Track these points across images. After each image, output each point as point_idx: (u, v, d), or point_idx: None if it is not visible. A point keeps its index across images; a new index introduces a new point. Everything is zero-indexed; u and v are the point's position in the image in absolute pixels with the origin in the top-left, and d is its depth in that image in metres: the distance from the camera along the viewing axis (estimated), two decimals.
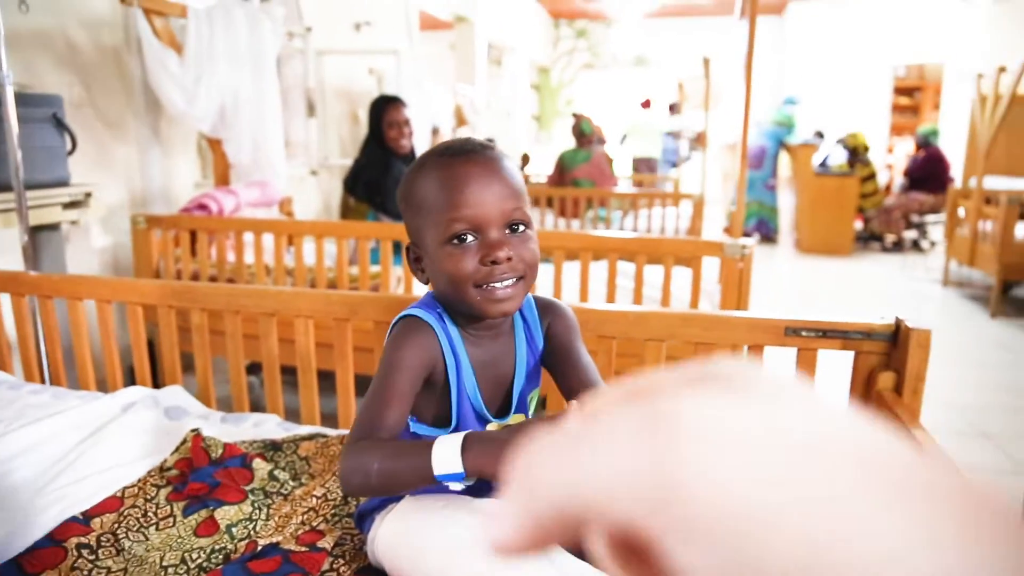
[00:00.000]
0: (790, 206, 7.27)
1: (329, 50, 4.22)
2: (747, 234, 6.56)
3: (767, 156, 6.87)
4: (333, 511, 1.11)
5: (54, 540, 1.01)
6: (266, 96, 3.13)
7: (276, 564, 0.94)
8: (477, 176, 0.85)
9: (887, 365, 1.26)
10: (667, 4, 9.52)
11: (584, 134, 4.61)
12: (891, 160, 9.18)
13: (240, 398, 1.59)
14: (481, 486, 0.96)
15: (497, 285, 0.86)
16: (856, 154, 6.62)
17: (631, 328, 1.31)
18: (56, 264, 2.34)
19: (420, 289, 2.56)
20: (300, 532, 1.05)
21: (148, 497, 1.14)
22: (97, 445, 1.26)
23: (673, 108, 8.07)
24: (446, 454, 0.76)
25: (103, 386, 1.70)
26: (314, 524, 1.07)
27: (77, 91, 2.70)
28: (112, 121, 2.87)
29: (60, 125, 2.25)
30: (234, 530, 1.07)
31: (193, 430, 1.29)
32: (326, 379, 1.60)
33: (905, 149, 8.96)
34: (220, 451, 1.24)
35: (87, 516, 1.08)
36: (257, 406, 2.10)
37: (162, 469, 1.22)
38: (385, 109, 3.02)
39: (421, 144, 3.79)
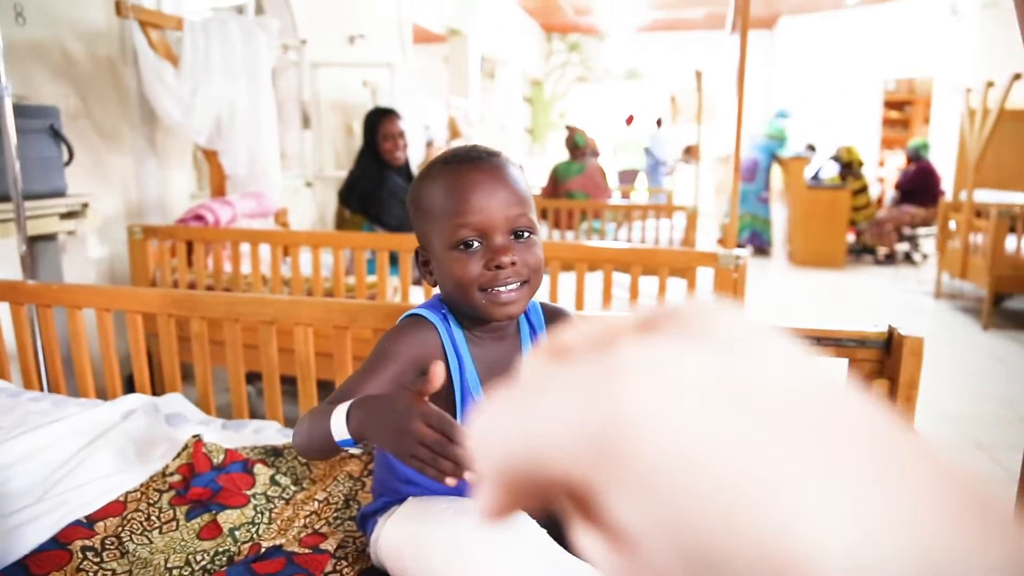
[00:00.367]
0: (783, 219, 7.33)
1: (323, 62, 4.25)
2: (740, 246, 6.60)
3: (759, 169, 6.93)
4: (335, 514, 1.12)
5: (59, 543, 1.02)
6: (261, 108, 3.14)
7: (280, 565, 0.95)
8: (482, 183, 0.87)
9: (880, 373, 1.28)
10: (658, 18, 9.63)
11: (578, 146, 4.64)
12: (882, 173, 9.27)
13: (240, 407, 1.59)
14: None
15: (501, 289, 0.88)
16: (850, 168, 6.68)
17: None
18: (53, 274, 2.34)
19: (417, 299, 2.57)
20: (303, 535, 1.05)
21: (151, 501, 1.15)
22: (98, 451, 1.27)
23: (659, 123, 8.30)
24: (338, 421, 0.78)
25: (102, 394, 1.70)
26: (316, 527, 1.08)
27: (74, 102, 2.71)
28: (108, 132, 2.88)
29: (57, 136, 2.26)
30: (237, 533, 1.08)
31: (194, 436, 1.30)
32: (325, 389, 1.60)
33: (896, 163, 9.05)
34: (222, 457, 1.25)
35: (91, 520, 1.08)
36: (256, 416, 2.10)
37: (164, 474, 1.22)
38: (380, 121, 3.04)
39: (415, 156, 3.81)
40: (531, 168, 8.45)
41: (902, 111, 10.15)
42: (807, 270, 6.43)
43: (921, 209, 6.46)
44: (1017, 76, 4.20)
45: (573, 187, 4.54)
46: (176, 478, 1.22)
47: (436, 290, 0.98)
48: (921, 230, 6.64)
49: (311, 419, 0.84)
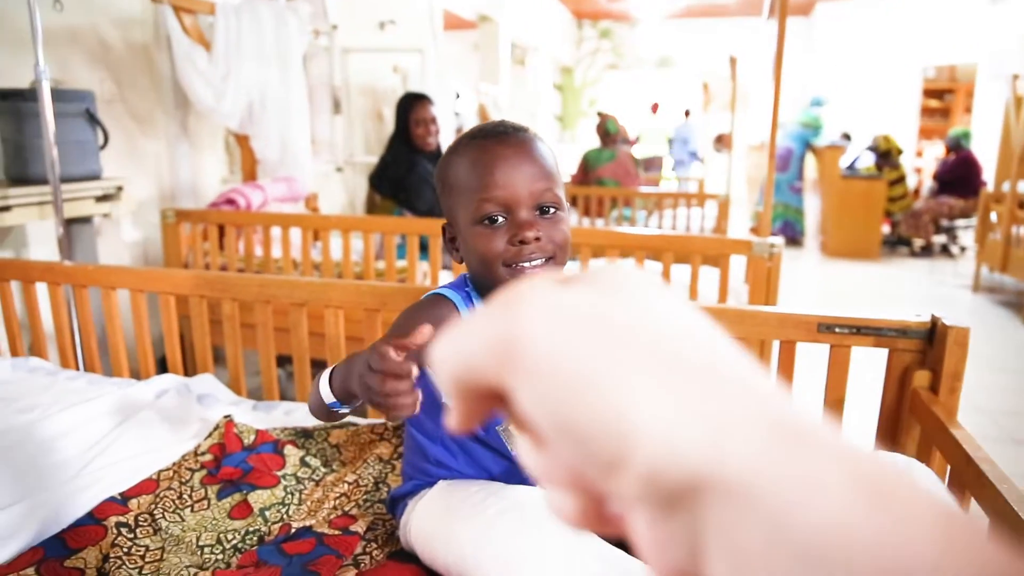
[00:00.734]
0: (816, 209, 7.19)
1: (354, 48, 4.25)
2: (773, 235, 6.51)
3: (793, 158, 6.80)
4: (365, 496, 1.12)
5: (94, 518, 1.03)
6: (292, 93, 3.15)
7: (310, 546, 0.95)
8: (508, 157, 0.85)
9: (922, 363, 1.24)
10: (691, 4, 9.47)
11: (609, 133, 4.59)
12: (920, 164, 9.05)
13: (270, 389, 1.60)
14: (514, 472, 0.96)
15: (526, 265, 0.86)
16: (887, 157, 6.52)
17: None
18: (88, 257, 2.37)
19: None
20: (332, 516, 1.06)
21: (183, 480, 1.16)
22: (132, 430, 1.28)
23: (688, 113, 8.23)
24: (324, 384, 0.84)
25: (136, 374, 1.72)
26: (346, 509, 1.08)
27: (108, 87, 2.74)
28: (142, 116, 2.92)
29: (92, 120, 2.28)
30: (267, 513, 1.08)
31: (225, 416, 1.31)
32: None
33: (934, 153, 8.82)
34: (252, 437, 1.25)
35: (125, 497, 1.10)
36: (286, 399, 2.12)
37: (196, 453, 1.23)
38: (412, 106, 3.03)
39: (446, 142, 3.81)
40: (561, 155, 8.36)
41: (942, 100, 9.89)
42: (840, 261, 6.31)
43: (960, 200, 6.29)
44: None
45: (604, 174, 4.50)
46: (208, 457, 1.23)
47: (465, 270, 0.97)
48: (960, 222, 6.46)
49: (313, 385, 0.88)
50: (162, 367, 1.72)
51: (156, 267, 2.91)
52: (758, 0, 3.24)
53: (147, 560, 0.97)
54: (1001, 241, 4.47)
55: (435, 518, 0.91)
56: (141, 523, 1.04)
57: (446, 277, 2.65)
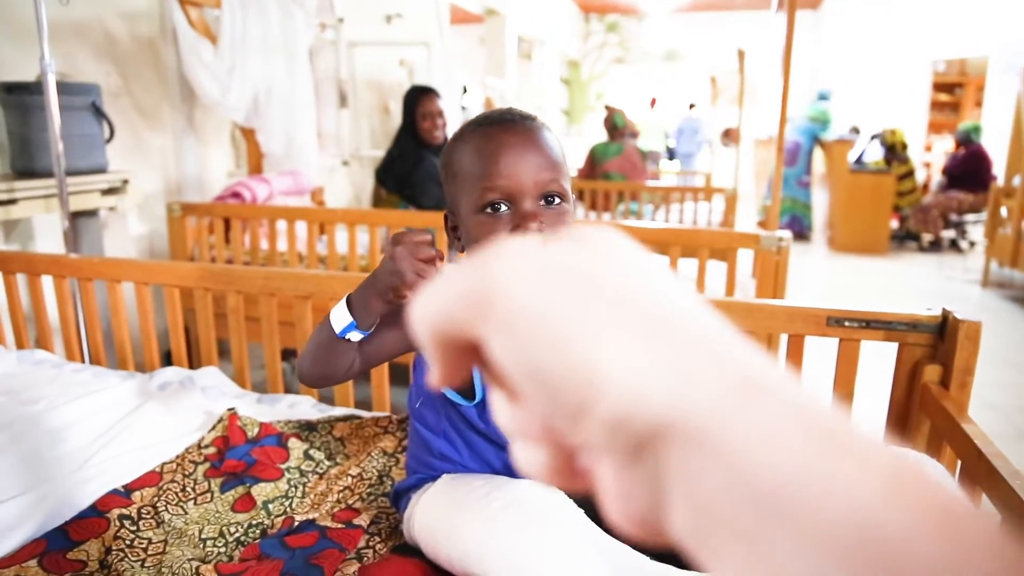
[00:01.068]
0: (824, 203, 7.15)
1: (360, 41, 4.23)
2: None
3: (801, 152, 6.76)
4: (368, 490, 1.11)
5: (97, 511, 1.03)
6: (298, 86, 3.15)
7: (313, 539, 0.94)
8: (513, 145, 0.83)
9: (932, 358, 1.22)
10: None
11: (617, 127, 4.57)
12: (928, 158, 8.97)
13: (275, 382, 1.59)
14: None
15: None
16: (894, 151, 6.47)
17: None
18: (94, 250, 2.38)
19: None
20: (336, 510, 1.05)
21: (186, 473, 1.15)
22: (136, 422, 1.28)
23: (692, 106, 8.24)
24: (338, 313, 0.88)
25: (141, 367, 1.72)
26: (350, 502, 1.08)
27: (114, 80, 2.74)
28: (148, 110, 2.91)
29: (98, 113, 2.28)
30: (270, 506, 1.08)
31: (229, 409, 1.30)
32: None
33: (943, 147, 8.74)
34: (256, 430, 1.25)
35: (128, 489, 1.09)
36: (290, 392, 2.11)
37: (200, 446, 1.23)
38: (419, 100, 3.02)
39: None
40: (568, 149, 8.39)
41: (952, 94, 9.80)
42: (848, 256, 6.27)
43: (970, 195, 6.23)
44: None
45: (611, 168, 4.48)
46: (211, 450, 1.22)
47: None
48: (969, 217, 6.41)
49: (314, 331, 0.92)
50: (167, 360, 1.72)
51: (161, 260, 2.91)
52: None
53: (150, 553, 0.97)
54: (1011, 236, 4.43)
55: (439, 512, 0.90)
56: (144, 516, 1.04)
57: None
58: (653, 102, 8.88)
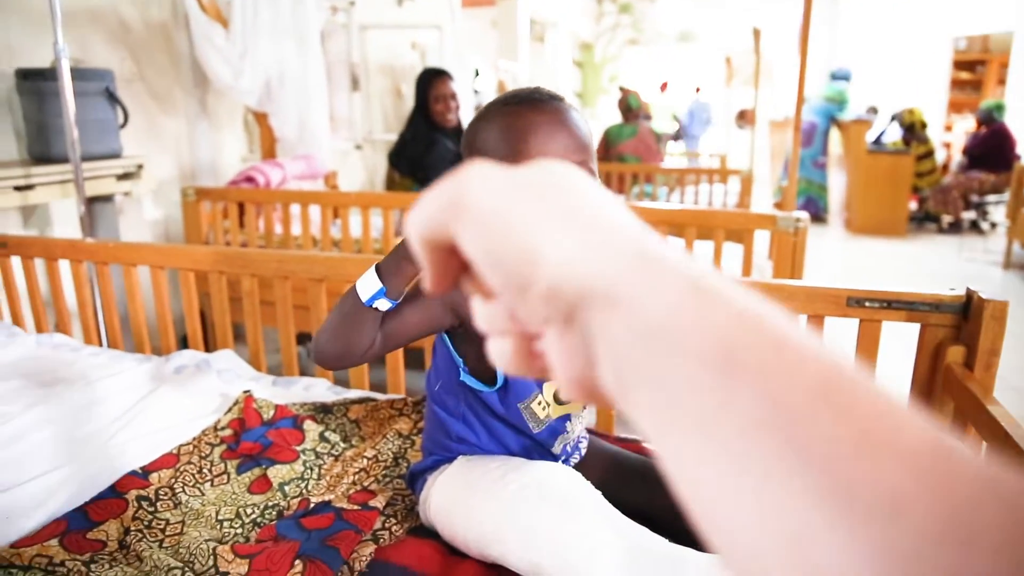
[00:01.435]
0: (840, 185, 7.05)
1: (372, 25, 4.21)
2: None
3: (817, 133, 6.66)
4: (384, 472, 1.11)
5: (116, 491, 1.04)
6: (311, 70, 3.13)
7: (329, 521, 0.94)
8: (541, 125, 0.80)
9: (956, 339, 1.20)
10: None
11: (631, 109, 4.52)
12: (949, 138, 8.82)
13: (290, 365, 1.60)
14: (533, 449, 0.94)
15: None
16: (912, 131, 6.36)
17: None
18: (110, 235, 2.39)
19: None
20: (352, 491, 1.05)
21: (203, 455, 1.16)
22: (153, 405, 1.28)
23: (698, 90, 8.20)
24: (367, 280, 0.85)
25: (157, 350, 1.73)
26: (365, 484, 1.08)
27: (128, 66, 2.74)
28: (161, 95, 2.91)
29: (112, 99, 2.28)
30: (287, 488, 1.08)
31: (245, 392, 1.31)
32: None
33: (964, 127, 8.58)
34: (272, 412, 1.25)
35: (146, 471, 1.10)
36: (306, 375, 2.12)
37: (216, 428, 1.23)
38: (432, 82, 3.00)
39: (466, 119, 3.77)
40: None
41: (973, 72, 9.61)
42: (866, 238, 6.19)
43: (991, 175, 6.12)
44: None
45: (625, 150, 4.44)
46: (227, 432, 1.23)
47: None
48: (990, 197, 6.29)
49: (335, 306, 0.89)
50: (183, 344, 1.73)
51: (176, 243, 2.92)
52: None
53: (167, 534, 0.97)
54: None
55: (455, 493, 0.90)
56: (162, 497, 1.05)
57: None
58: (664, 86, 8.85)
